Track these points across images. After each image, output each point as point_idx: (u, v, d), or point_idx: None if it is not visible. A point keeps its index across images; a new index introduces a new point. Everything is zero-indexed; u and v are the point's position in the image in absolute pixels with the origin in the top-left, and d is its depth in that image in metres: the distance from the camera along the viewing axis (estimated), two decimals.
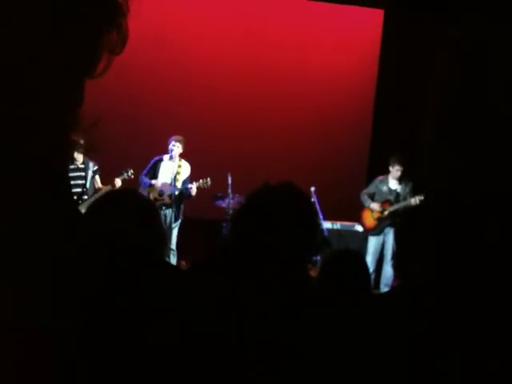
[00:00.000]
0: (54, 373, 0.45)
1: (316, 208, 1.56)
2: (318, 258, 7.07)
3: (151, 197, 6.34)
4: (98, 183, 6.37)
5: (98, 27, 0.49)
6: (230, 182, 6.59)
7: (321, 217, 6.83)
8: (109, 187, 6.22)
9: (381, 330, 0.60)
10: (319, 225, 1.66)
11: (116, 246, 0.54)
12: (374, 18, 8.11)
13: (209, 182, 6.40)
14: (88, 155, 6.00)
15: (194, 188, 6.36)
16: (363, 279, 2.18)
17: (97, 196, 6.05)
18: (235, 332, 0.54)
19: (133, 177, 6.37)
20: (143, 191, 6.37)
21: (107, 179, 6.35)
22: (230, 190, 6.59)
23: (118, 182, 6.24)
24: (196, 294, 0.54)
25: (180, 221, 6.47)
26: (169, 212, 6.33)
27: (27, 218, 0.45)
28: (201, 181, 6.41)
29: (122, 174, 6.32)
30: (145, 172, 6.53)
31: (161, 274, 0.54)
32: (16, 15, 0.44)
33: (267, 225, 1.50)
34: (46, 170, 0.47)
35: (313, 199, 6.88)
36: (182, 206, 6.51)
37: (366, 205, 6.69)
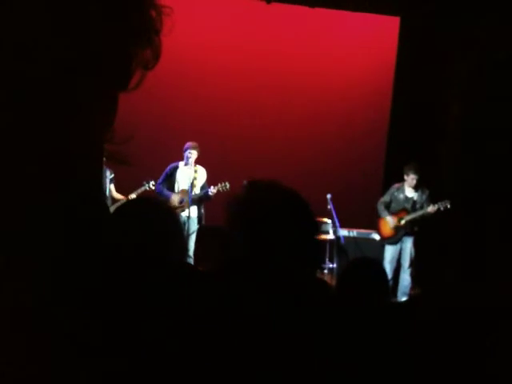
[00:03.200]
0: (54, 373, 0.45)
1: (307, 207, 1.45)
2: (335, 265, 7.05)
3: (173, 204, 6.40)
4: (113, 192, 6.43)
5: (133, 44, 0.50)
6: None
7: (337, 224, 6.81)
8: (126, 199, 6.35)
9: (390, 337, 0.60)
10: (313, 225, 1.52)
11: (121, 246, 0.54)
12: (390, 25, 8.09)
13: (227, 186, 6.44)
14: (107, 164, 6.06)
15: (212, 190, 6.42)
16: (382, 288, 2.17)
17: (117, 206, 6.16)
18: (235, 332, 0.54)
19: (154, 188, 6.44)
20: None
21: (126, 189, 6.42)
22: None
23: (133, 195, 6.35)
24: (197, 295, 0.55)
25: (197, 227, 6.52)
26: (187, 218, 6.37)
27: (28, 218, 0.46)
28: (219, 185, 6.45)
29: (143, 185, 6.40)
30: (161, 181, 6.56)
31: (163, 274, 0.54)
32: (57, 32, 0.46)
33: (259, 232, 1.43)
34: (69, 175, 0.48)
35: (329, 206, 6.87)
36: (202, 212, 6.57)
37: (383, 216, 6.65)
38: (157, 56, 0.52)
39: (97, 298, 0.48)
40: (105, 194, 6.24)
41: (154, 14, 0.52)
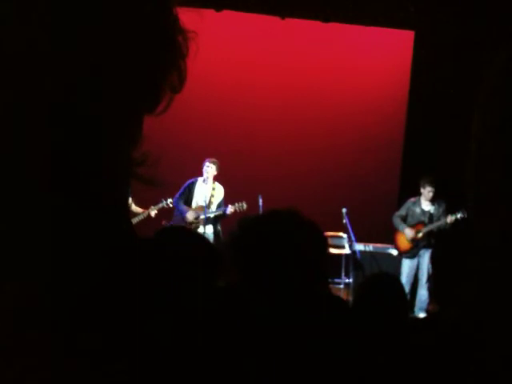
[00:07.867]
0: (54, 373, 0.45)
1: (318, 234, 1.46)
2: (351, 280, 7.00)
3: (188, 220, 6.45)
4: (132, 205, 6.50)
5: (162, 70, 0.52)
6: (260, 203, 6.61)
7: (353, 239, 6.78)
8: (147, 212, 6.44)
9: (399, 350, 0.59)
10: (323, 252, 1.53)
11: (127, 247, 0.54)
12: (405, 39, 8.11)
13: (244, 206, 6.44)
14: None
15: (229, 209, 6.43)
16: (400, 303, 2.16)
17: (137, 220, 6.25)
18: (240, 336, 0.54)
19: (171, 205, 6.51)
20: (178, 216, 6.51)
21: (144, 203, 6.48)
22: (261, 212, 6.61)
23: (153, 211, 6.41)
24: (200, 296, 0.55)
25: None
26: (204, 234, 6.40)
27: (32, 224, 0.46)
28: (236, 204, 6.47)
29: (161, 202, 6.47)
30: (178, 195, 6.60)
31: (164, 274, 0.54)
32: (86, 57, 0.47)
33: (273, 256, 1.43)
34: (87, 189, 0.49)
35: (344, 220, 6.85)
36: (219, 228, 6.58)
37: (400, 229, 6.59)
38: (183, 80, 0.54)
39: (97, 298, 0.48)
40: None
41: (180, 39, 0.53)
